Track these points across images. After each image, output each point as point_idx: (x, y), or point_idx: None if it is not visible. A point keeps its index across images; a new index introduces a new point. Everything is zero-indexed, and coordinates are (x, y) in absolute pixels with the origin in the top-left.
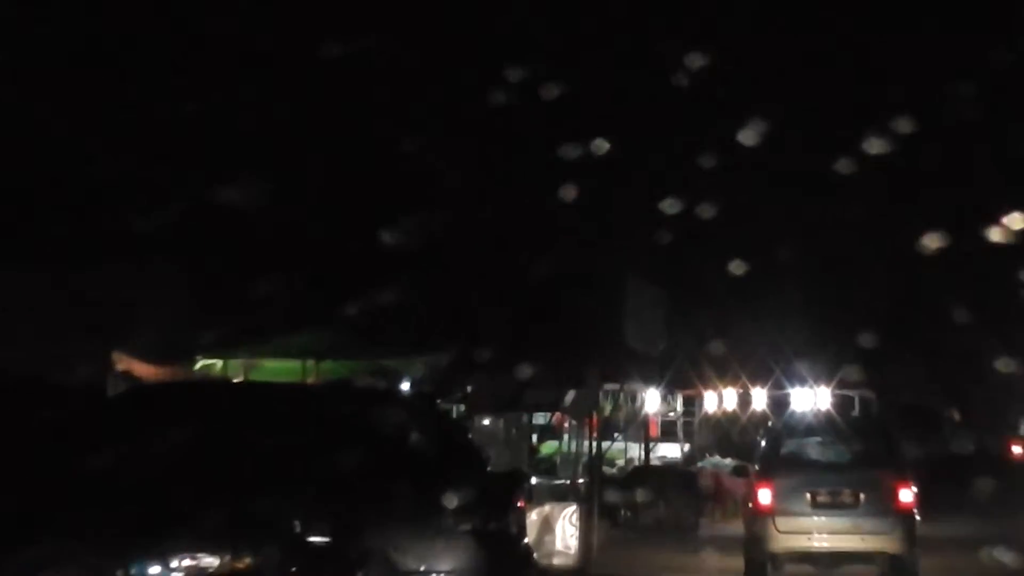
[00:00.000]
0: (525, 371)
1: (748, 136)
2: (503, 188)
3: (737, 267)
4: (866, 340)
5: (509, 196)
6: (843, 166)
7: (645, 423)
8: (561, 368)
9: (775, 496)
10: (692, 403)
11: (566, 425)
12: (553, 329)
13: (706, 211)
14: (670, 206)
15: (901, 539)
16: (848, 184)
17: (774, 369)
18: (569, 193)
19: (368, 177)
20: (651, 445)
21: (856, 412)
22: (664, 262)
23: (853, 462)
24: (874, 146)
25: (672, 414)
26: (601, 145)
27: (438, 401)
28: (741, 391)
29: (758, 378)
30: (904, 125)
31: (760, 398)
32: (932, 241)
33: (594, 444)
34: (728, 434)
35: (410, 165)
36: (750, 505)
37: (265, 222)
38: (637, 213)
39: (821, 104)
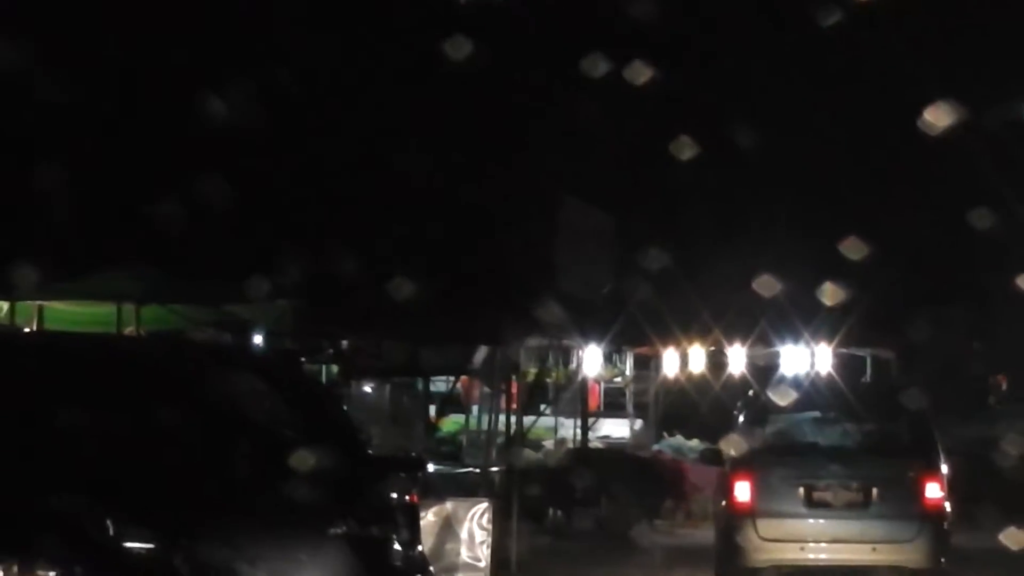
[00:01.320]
0: (420, 321)
1: None
2: (374, 63)
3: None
4: (883, 280)
5: (386, 77)
6: None
7: (583, 392)
8: (469, 318)
9: (757, 491)
10: (646, 365)
11: (475, 394)
12: (460, 265)
13: (666, 86)
14: (611, 76)
15: (926, 550)
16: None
17: (757, 320)
18: (471, 66)
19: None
20: (591, 422)
21: (868, 378)
22: (610, 177)
23: (863, 447)
24: None
25: (619, 380)
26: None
27: (302, 361)
28: (712, 349)
29: (736, 332)
30: None
31: (738, 359)
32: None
33: (513, 420)
34: (695, 407)
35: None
36: (723, 504)
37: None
38: (571, 104)
39: None
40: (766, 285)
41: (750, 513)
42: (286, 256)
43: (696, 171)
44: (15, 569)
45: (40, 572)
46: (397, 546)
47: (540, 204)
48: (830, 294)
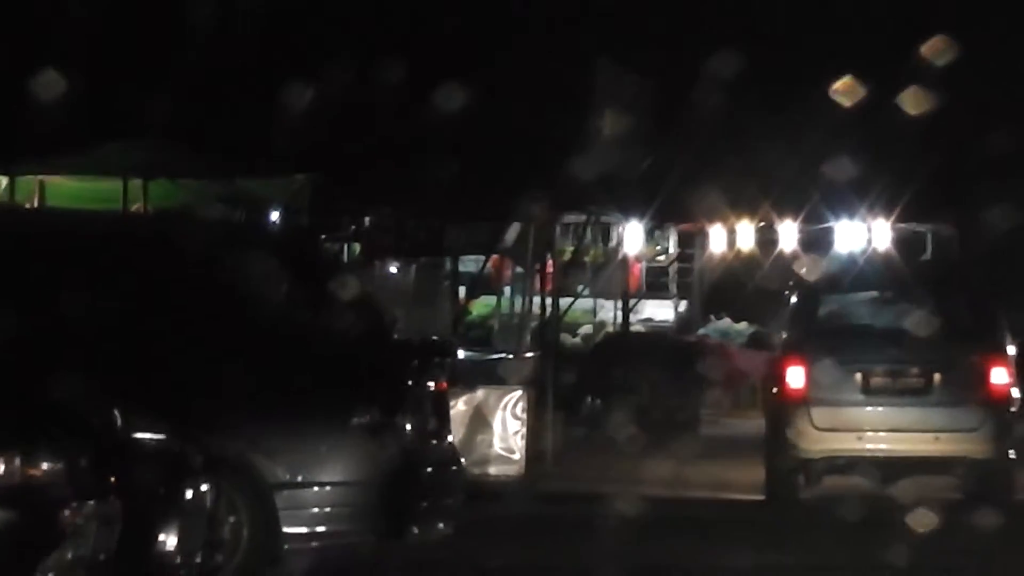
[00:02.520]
0: (447, 196)
1: None
2: None
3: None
4: (943, 148)
5: None
6: None
7: (623, 271)
8: (500, 192)
9: (811, 378)
10: (691, 243)
11: (507, 274)
12: (488, 135)
13: None
14: None
15: (991, 439)
16: None
17: (810, 193)
18: None
19: None
20: (632, 304)
21: (929, 256)
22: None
23: (924, 329)
24: None
25: (662, 258)
26: None
27: (322, 239)
28: (762, 225)
29: (787, 206)
30: None
31: (789, 235)
32: None
33: (548, 302)
34: (742, 288)
35: None
36: (774, 391)
37: None
38: None
39: None
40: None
41: (803, 401)
42: (303, 127)
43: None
44: (17, 461)
45: (44, 463)
46: (426, 436)
47: (577, 68)
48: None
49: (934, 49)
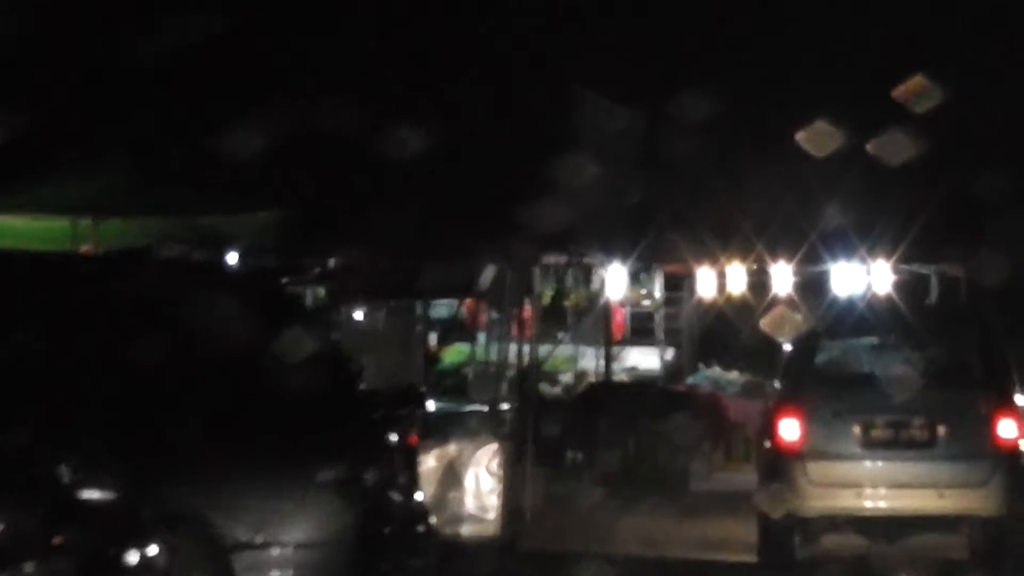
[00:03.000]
0: (420, 236)
1: None
2: None
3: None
4: (949, 184)
5: None
6: None
7: (606, 316)
8: (475, 231)
9: (806, 429)
10: (679, 286)
11: (483, 319)
12: (463, 170)
13: None
14: None
15: (1000, 495)
16: None
17: (807, 233)
18: None
19: None
20: (615, 351)
21: (933, 299)
22: (637, 64)
23: (928, 377)
24: None
25: (648, 303)
26: None
27: (284, 282)
28: (755, 267)
29: (781, 247)
30: None
31: (784, 277)
32: None
33: (526, 349)
34: (734, 334)
35: None
36: (768, 444)
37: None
38: None
39: None
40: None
41: (798, 454)
42: (269, 161)
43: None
44: None
45: None
46: (394, 493)
47: (559, 97)
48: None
49: (929, 87)
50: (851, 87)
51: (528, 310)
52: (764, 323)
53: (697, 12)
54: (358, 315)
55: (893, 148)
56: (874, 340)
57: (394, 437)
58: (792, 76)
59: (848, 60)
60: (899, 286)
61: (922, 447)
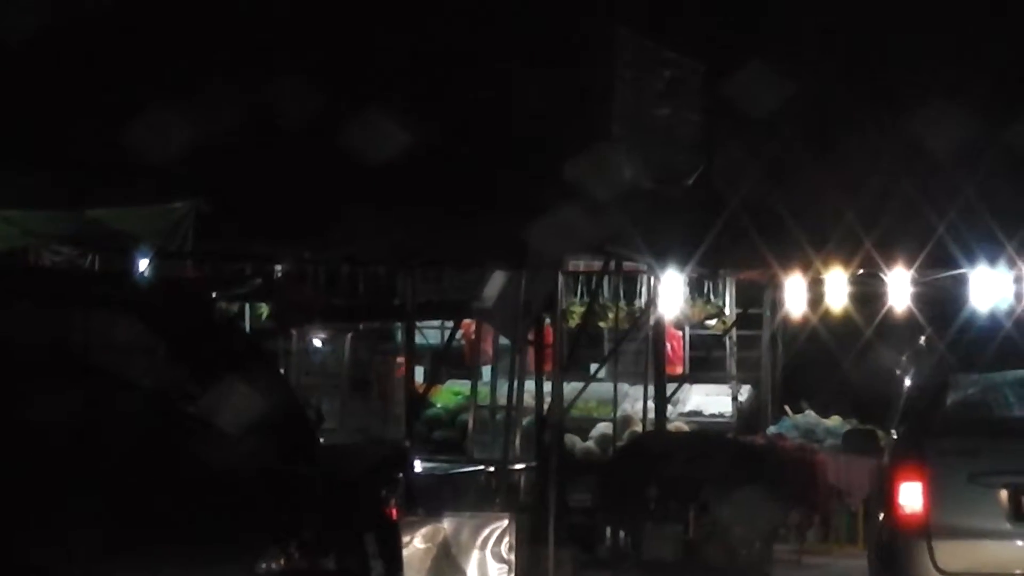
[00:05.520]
0: (399, 233)
1: None
2: None
3: None
4: None
5: None
6: None
7: (657, 342)
8: (476, 227)
9: (934, 496)
10: (756, 300)
11: (487, 348)
12: (462, 144)
13: None
14: None
15: None
16: None
17: (933, 226)
18: None
19: None
20: (670, 390)
21: None
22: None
23: None
24: None
25: (714, 323)
26: None
27: (213, 298)
28: (861, 273)
29: (897, 247)
30: None
31: (902, 288)
32: None
33: (547, 388)
34: (833, 366)
35: None
36: (881, 516)
37: None
38: None
39: None
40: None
41: (923, 531)
42: (187, 138)
43: None
44: None
45: None
46: None
47: (594, 48)
48: None
49: None
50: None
51: (549, 333)
52: (875, 350)
53: None
54: (315, 342)
55: None
56: None
57: (366, 510)
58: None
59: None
60: None
61: None
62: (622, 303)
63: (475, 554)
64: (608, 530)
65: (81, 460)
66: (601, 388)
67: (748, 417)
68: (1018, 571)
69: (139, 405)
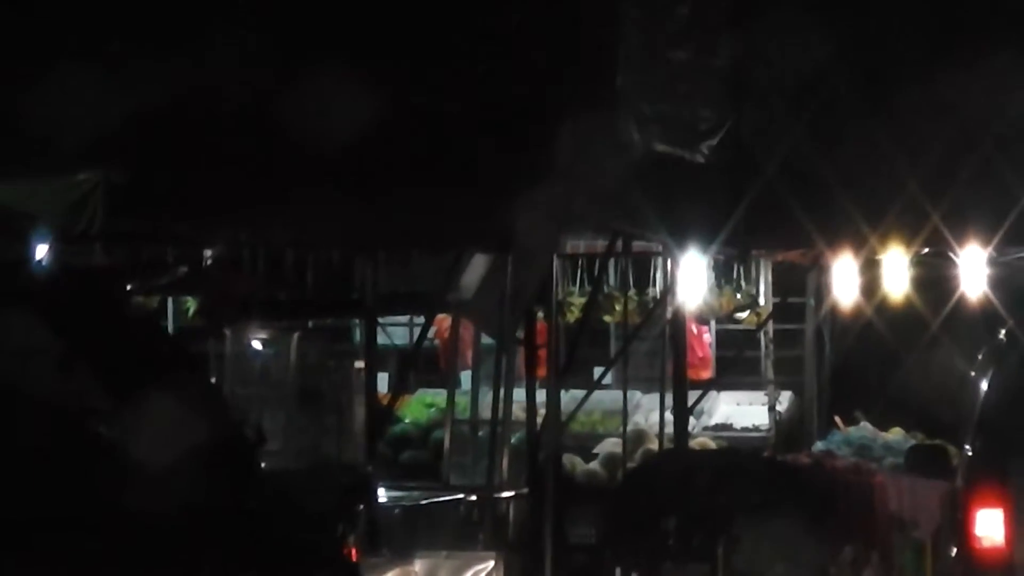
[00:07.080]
0: (357, 209)
1: None
2: None
3: None
4: None
5: None
6: None
7: (676, 340)
8: (452, 199)
9: (1019, 525)
10: (798, 287)
11: (467, 349)
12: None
13: None
14: None
15: None
16: None
17: (1016, 197)
18: None
19: None
20: (693, 398)
21: None
22: None
23: None
24: None
25: (746, 315)
26: None
27: (128, 290)
28: (926, 253)
29: (970, 221)
30: None
31: (976, 270)
32: None
33: (541, 397)
34: (891, 368)
35: None
36: (955, 551)
37: None
38: None
39: None
40: None
41: (1006, 567)
42: (94, 100)
43: None
44: None
45: None
46: None
47: None
48: None
49: None
50: None
51: (543, 330)
52: (944, 348)
53: None
54: (255, 344)
55: None
56: None
57: (319, 552)
58: None
59: None
60: None
61: None
62: (632, 292)
63: None
64: (618, 572)
65: None
66: (607, 397)
67: (789, 431)
68: None
69: (34, 423)
